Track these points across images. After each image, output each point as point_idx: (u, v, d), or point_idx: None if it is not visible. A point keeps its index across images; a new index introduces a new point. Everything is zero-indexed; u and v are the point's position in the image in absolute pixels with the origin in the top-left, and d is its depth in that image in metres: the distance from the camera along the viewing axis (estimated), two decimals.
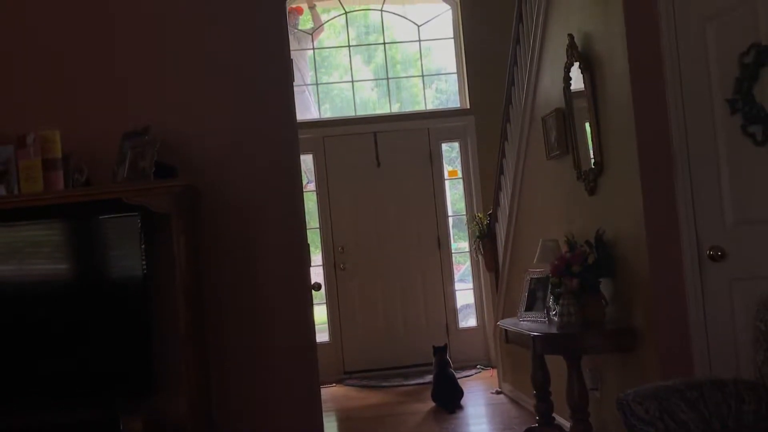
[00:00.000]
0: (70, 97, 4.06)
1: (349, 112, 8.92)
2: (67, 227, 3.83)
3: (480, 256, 7.62)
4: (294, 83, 4.33)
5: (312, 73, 8.94)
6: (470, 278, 8.82)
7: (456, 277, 8.85)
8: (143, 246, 3.70)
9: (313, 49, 8.94)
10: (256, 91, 4.18)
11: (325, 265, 8.58)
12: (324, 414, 4.32)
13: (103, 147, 3.89)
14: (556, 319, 4.50)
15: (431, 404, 6.69)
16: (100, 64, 4.10)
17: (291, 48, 4.42)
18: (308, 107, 8.78)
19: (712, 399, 2.99)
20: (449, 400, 6.61)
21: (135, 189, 3.60)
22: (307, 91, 8.81)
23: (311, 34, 8.89)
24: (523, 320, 4.86)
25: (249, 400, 4.08)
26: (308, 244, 4.30)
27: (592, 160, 4.54)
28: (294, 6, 8.73)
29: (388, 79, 8.99)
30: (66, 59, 4.09)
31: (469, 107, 8.64)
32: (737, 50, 3.74)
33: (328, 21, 9.02)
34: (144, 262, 3.70)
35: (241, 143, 4.14)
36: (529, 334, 4.43)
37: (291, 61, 4.27)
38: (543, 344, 4.40)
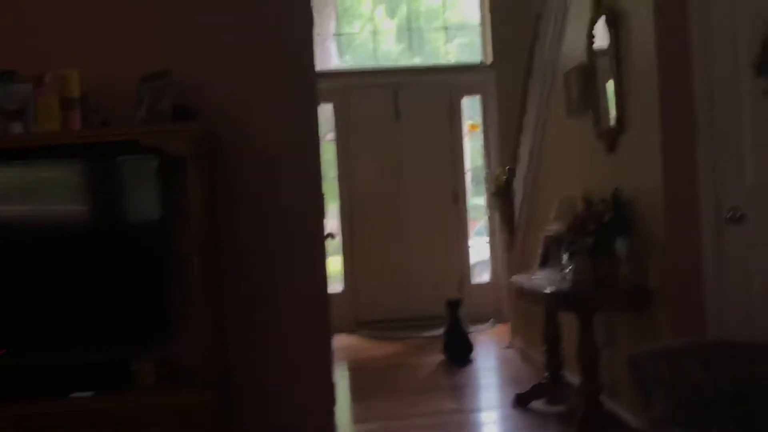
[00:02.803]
0: (90, 39, 4.03)
1: (370, 63, 8.84)
2: (83, 167, 3.81)
3: (496, 212, 7.59)
4: (315, 32, 4.29)
5: (334, 22, 8.86)
6: (485, 234, 8.81)
7: (471, 232, 8.83)
8: (160, 189, 3.69)
9: None
10: (276, 38, 4.13)
11: (342, 215, 8.59)
12: (336, 363, 4.35)
13: (122, 89, 3.86)
14: (569, 276, 4.49)
15: (442, 357, 6.73)
16: (120, 5, 4.06)
17: None
18: (329, 57, 8.71)
19: (724, 361, 2.97)
20: (460, 353, 6.65)
21: (152, 131, 3.57)
22: (329, 40, 8.73)
23: None
24: (537, 277, 4.85)
25: (262, 347, 4.10)
26: (323, 194, 4.29)
27: (614, 119, 4.48)
28: None
29: (410, 30, 8.89)
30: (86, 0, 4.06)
31: (491, 61, 8.54)
32: (766, 11, 3.67)
33: None
34: (160, 205, 3.70)
35: (260, 91, 4.11)
36: (542, 291, 4.43)
37: (312, 8, 4.22)
38: (556, 301, 4.40)
